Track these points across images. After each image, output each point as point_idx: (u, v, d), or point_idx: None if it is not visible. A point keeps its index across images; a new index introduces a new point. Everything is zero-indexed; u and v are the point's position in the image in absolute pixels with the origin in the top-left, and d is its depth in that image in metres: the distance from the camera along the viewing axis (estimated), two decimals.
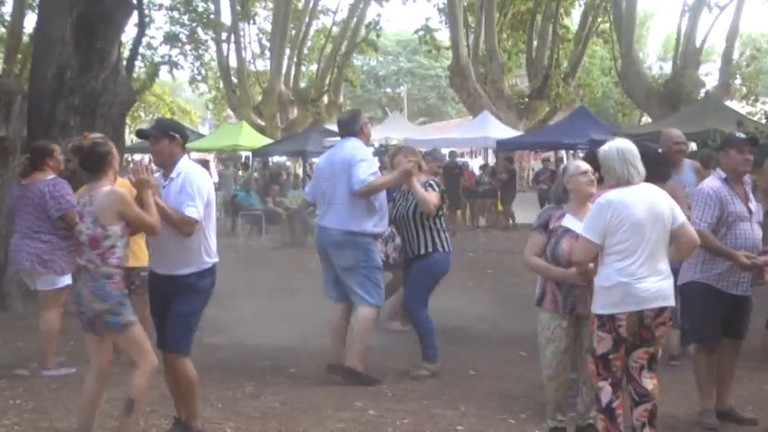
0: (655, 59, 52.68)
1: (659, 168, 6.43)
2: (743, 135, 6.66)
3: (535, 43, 35.23)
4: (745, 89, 40.57)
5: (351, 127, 7.90)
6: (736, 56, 36.10)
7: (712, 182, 6.45)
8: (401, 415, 6.76)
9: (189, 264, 5.86)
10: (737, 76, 39.27)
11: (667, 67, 37.40)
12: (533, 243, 6.04)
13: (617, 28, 31.28)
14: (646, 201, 5.49)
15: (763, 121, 22.46)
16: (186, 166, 5.92)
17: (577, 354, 6.02)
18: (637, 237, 5.40)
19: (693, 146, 17.57)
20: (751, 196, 6.53)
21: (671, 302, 5.53)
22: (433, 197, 7.83)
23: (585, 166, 6.00)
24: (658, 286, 5.43)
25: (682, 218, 5.57)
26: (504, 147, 26.67)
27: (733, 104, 30.53)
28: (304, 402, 7.07)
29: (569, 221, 5.91)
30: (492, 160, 29.03)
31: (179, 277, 5.86)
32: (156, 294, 6.01)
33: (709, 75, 39.77)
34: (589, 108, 30.22)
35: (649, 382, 5.54)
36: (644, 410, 5.52)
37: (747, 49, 43.65)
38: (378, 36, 39.68)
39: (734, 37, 33.78)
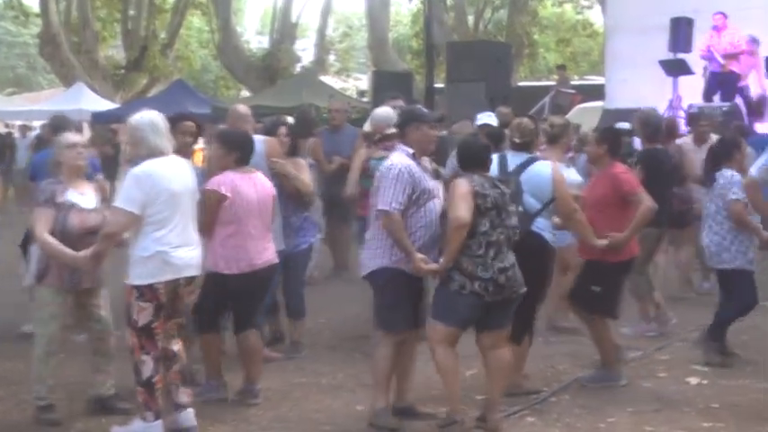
0: (253, 33, 53.53)
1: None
2: (429, 112, 6.38)
3: (131, 12, 34.53)
4: (339, 65, 42.57)
5: None
6: (330, 32, 37.68)
7: (402, 158, 5.94)
8: None
9: None
10: (332, 52, 41.08)
11: (266, 42, 38.15)
12: (45, 219, 5.89)
13: (214, 0, 31.47)
14: (180, 172, 5.70)
15: (355, 96, 23.73)
16: None
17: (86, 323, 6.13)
18: (173, 207, 5.56)
19: (290, 119, 18.11)
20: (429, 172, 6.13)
21: (199, 271, 5.77)
22: None
23: (74, 139, 6.12)
24: (191, 255, 5.68)
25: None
26: (100, 119, 26.09)
27: (328, 79, 31.90)
28: None
29: (73, 195, 5.97)
30: (88, 133, 28.18)
31: None
32: None
33: (306, 50, 41.17)
34: (188, 81, 30.24)
35: (176, 345, 5.74)
36: (175, 372, 5.74)
37: (341, 26, 45.81)
38: None
39: (327, 14, 35.23)
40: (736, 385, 6.87)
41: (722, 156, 7.49)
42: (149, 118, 5.66)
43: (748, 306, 7.41)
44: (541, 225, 6.40)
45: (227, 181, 6.30)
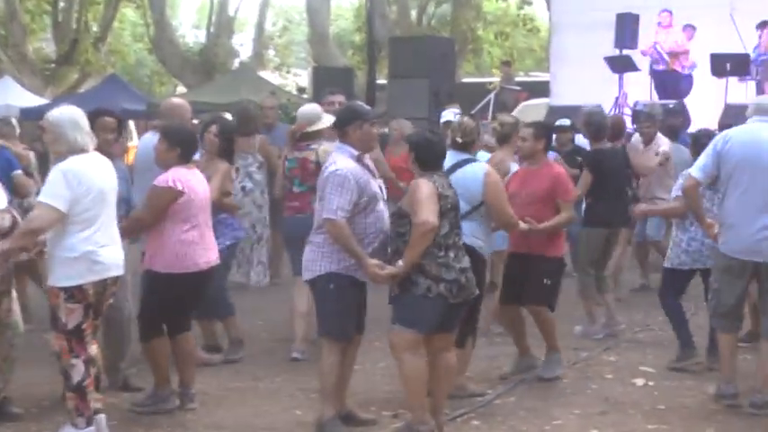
0: (190, 27, 53.02)
1: None
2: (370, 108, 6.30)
3: (62, 4, 34.05)
4: (278, 60, 42.38)
5: None
6: (268, 26, 37.47)
7: (347, 162, 5.82)
8: None
9: None
10: (270, 46, 40.89)
11: (202, 36, 37.85)
12: None
13: None
14: (103, 169, 5.66)
15: (295, 92, 23.63)
16: None
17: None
18: (100, 205, 5.53)
19: (228, 115, 17.98)
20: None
21: (123, 270, 5.76)
22: None
23: None
24: (116, 254, 5.66)
25: None
26: (29, 115, 25.74)
27: (266, 75, 31.77)
28: None
29: None
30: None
31: None
32: None
33: (244, 45, 40.91)
34: (122, 76, 29.93)
35: (94, 348, 5.65)
36: (92, 377, 5.61)
37: (280, 20, 45.58)
38: None
39: (266, 7, 35.07)
40: (683, 387, 6.94)
41: None
42: (69, 114, 5.58)
43: None
44: (468, 230, 6.06)
45: (180, 177, 6.19)
